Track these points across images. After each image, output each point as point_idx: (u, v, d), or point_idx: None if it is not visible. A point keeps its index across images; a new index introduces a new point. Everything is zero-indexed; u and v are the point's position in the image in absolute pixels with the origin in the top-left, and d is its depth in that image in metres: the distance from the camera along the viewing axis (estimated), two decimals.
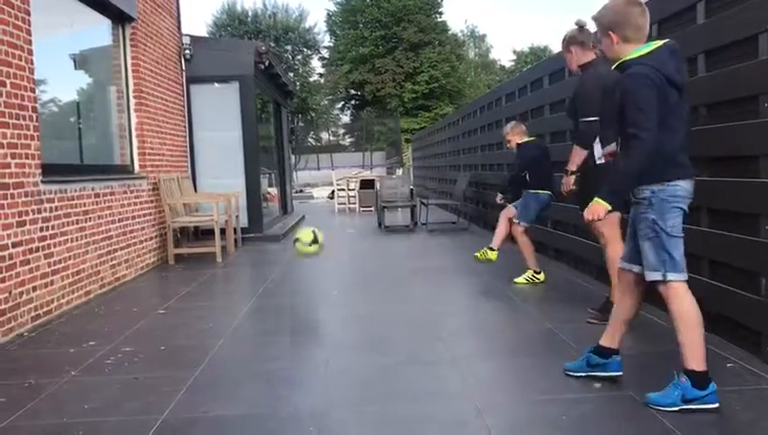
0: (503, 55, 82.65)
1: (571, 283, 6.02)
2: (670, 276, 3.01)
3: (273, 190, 14.53)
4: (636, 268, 3.19)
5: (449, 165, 14.41)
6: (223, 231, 8.81)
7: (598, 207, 3.11)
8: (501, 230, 6.38)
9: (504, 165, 9.23)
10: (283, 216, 14.25)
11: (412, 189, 12.46)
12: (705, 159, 4.04)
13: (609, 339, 3.38)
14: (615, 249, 4.23)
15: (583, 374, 3.42)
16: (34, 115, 5.32)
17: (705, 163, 4.03)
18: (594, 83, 4.29)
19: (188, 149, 10.19)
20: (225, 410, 3.22)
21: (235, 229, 9.52)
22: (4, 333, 4.67)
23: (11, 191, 4.89)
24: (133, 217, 7.46)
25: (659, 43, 3.04)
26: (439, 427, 2.94)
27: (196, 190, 10.21)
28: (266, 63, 11.00)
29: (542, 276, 6.06)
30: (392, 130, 35.61)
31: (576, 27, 4.50)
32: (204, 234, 9.67)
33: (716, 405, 2.93)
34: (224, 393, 3.49)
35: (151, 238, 8.06)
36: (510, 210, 6.39)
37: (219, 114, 10.47)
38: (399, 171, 25.05)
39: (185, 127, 10.07)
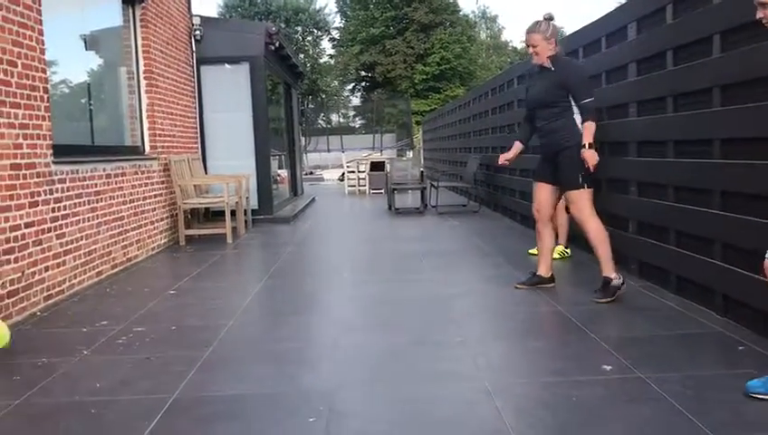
0: (514, 37, 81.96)
1: (581, 266, 6.00)
2: None
3: (284, 172, 14.53)
4: None
5: (460, 147, 14.35)
6: (233, 212, 8.83)
7: None
8: (560, 223, 6.30)
9: None
10: (293, 198, 14.27)
11: (422, 172, 12.43)
12: None
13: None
14: (596, 223, 4.80)
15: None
16: (45, 96, 5.32)
17: None
18: (580, 68, 5.13)
19: (199, 130, 10.20)
20: (236, 390, 3.24)
21: (245, 211, 9.53)
22: (17, 313, 4.71)
23: (23, 172, 4.91)
24: (144, 198, 7.49)
25: None
26: (449, 407, 2.94)
27: (206, 172, 10.22)
28: (277, 44, 10.96)
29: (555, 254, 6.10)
30: (403, 112, 35.47)
31: (545, 20, 4.94)
32: (214, 215, 9.70)
33: None
34: (234, 373, 3.51)
35: (162, 219, 8.09)
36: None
37: (229, 95, 10.46)
38: (410, 153, 24.98)
39: (195, 108, 10.07)
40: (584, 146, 4.71)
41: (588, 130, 4.72)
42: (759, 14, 2.75)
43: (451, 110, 16.51)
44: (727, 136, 4.00)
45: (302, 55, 36.82)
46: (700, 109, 4.30)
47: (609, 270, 4.69)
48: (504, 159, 5.30)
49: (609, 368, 3.33)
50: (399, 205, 12.06)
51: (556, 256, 6.08)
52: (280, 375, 3.45)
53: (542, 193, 5.06)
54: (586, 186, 4.78)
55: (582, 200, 4.80)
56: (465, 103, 13.93)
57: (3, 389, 3.37)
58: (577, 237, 6.07)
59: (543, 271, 5.17)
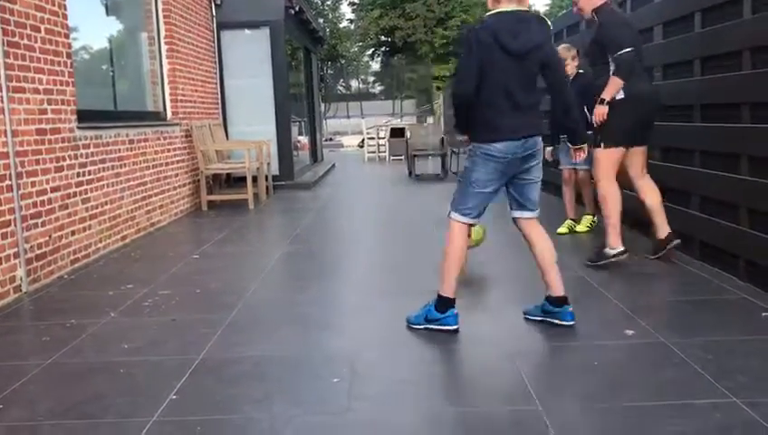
0: (536, 0, 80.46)
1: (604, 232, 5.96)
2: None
3: (304, 138, 14.53)
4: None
5: None
6: (255, 178, 8.87)
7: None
8: (570, 196, 6.15)
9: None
10: (313, 164, 14.28)
11: (443, 138, 12.35)
12: None
13: None
14: (606, 186, 4.56)
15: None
16: (69, 61, 5.34)
17: None
18: (617, 20, 4.52)
19: (220, 96, 10.20)
20: (260, 352, 3.29)
21: (266, 177, 9.57)
22: (45, 276, 4.80)
23: (48, 137, 4.96)
24: (167, 164, 7.54)
25: (509, 8, 3.26)
26: (471, 369, 2.98)
27: (227, 138, 10.25)
28: (296, 9, 10.88)
29: (584, 226, 6.07)
30: (423, 78, 35.15)
31: None
32: (236, 181, 9.75)
33: (454, 327, 3.37)
34: (258, 335, 3.57)
35: (185, 185, 8.15)
36: (568, 173, 6.13)
37: (250, 61, 10.43)
38: (430, 120, 24.81)
39: (216, 74, 10.06)
40: (601, 101, 4.45)
41: (609, 85, 4.41)
42: None
43: None
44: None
45: (321, 20, 36.47)
46: None
47: (607, 236, 4.58)
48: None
49: (631, 332, 3.33)
50: (420, 171, 12.03)
51: (585, 227, 6.04)
52: (303, 338, 3.49)
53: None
54: (603, 145, 4.52)
55: (599, 160, 4.58)
56: None
57: (34, 349, 3.46)
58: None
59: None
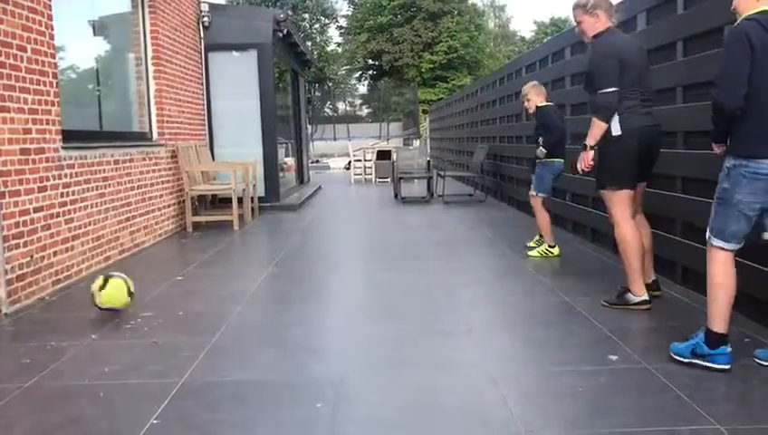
0: (523, 26, 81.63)
1: (589, 256, 5.99)
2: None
3: (290, 160, 14.54)
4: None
5: (467, 136, 14.33)
6: (240, 200, 8.85)
7: None
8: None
9: (524, 137, 9.15)
10: (299, 186, 14.28)
11: (429, 161, 12.42)
12: None
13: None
14: (624, 229, 4.12)
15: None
16: (54, 81, 5.33)
17: None
18: (607, 52, 4.08)
19: (206, 117, 10.20)
20: (244, 375, 3.26)
21: (252, 198, 9.55)
22: (26, 296, 4.74)
23: (32, 157, 4.93)
24: (152, 184, 7.51)
25: None
26: (456, 395, 2.96)
27: (213, 159, 10.24)
28: (285, 32, 10.94)
29: (556, 250, 6.02)
30: (409, 101, 35.37)
31: None
32: (221, 202, 9.71)
33: (724, 367, 3.07)
34: (242, 359, 3.54)
35: (170, 206, 8.11)
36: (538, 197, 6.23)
37: (237, 83, 10.45)
38: (416, 142, 24.94)
39: (203, 95, 10.07)
40: (584, 147, 4.18)
41: (591, 128, 4.12)
42: None
43: (458, 99, 16.47)
44: None
45: (309, 43, 36.73)
46: None
47: (630, 283, 4.17)
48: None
49: (615, 358, 3.34)
50: (406, 193, 12.06)
51: (537, 254, 6.01)
52: (287, 361, 3.47)
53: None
54: (610, 187, 4.14)
55: (608, 202, 4.19)
56: (473, 93, 13.90)
57: (13, 371, 3.40)
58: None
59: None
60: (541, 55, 8.63)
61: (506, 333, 3.96)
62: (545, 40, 23.55)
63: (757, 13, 2.96)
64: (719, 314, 3.11)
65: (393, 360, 3.46)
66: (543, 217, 6.11)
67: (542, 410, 2.78)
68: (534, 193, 6.16)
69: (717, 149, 3.26)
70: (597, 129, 4.10)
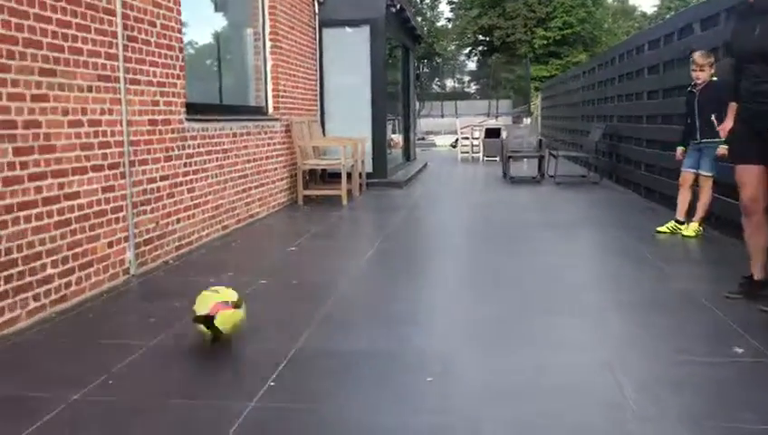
0: (643, 1, 77.56)
1: (716, 242, 5.67)
2: None
3: (397, 137, 14.59)
4: None
5: (582, 115, 13.85)
6: (349, 175, 8.98)
7: None
8: (685, 198, 6.00)
9: (644, 117, 8.74)
10: (405, 163, 14.32)
11: (540, 139, 12.10)
12: None
13: None
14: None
15: None
16: (181, 55, 5.58)
17: None
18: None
19: (318, 92, 10.38)
20: (354, 346, 3.33)
21: (360, 174, 9.68)
22: (152, 260, 5.04)
23: (159, 127, 5.20)
24: (266, 158, 7.75)
25: None
26: (566, 376, 2.89)
27: (324, 134, 10.43)
28: (397, 6, 10.92)
29: (691, 232, 5.82)
30: (520, 78, 34.60)
31: None
32: (330, 177, 9.90)
33: None
34: (351, 329, 3.61)
35: (282, 179, 8.35)
36: (688, 176, 5.97)
37: (349, 58, 10.56)
38: (527, 120, 24.38)
39: (316, 71, 10.25)
40: None
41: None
42: None
43: (573, 76, 15.93)
44: None
45: (419, 18, 36.57)
46: None
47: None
48: (722, 129, 4.33)
49: (740, 350, 3.15)
50: (515, 173, 11.84)
51: (692, 232, 5.79)
52: (395, 334, 3.50)
53: (755, 178, 3.84)
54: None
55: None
56: (590, 70, 13.40)
57: (141, 329, 3.63)
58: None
59: (760, 273, 3.97)
60: (666, 30, 8.17)
61: (622, 317, 3.82)
62: (668, 15, 22.24)
63: None
64: None
65: (502, 338, 3.42)
66: (708, 199, 5.84)
67: (658, 399, 2.66)
68: (710, 174, 5.80)
69: None
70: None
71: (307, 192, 8.84)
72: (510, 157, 11.80)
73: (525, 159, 13.21)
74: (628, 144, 9.54)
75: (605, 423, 2.49)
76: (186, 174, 5.63)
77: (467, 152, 16.98)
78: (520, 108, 29.41)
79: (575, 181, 10.97)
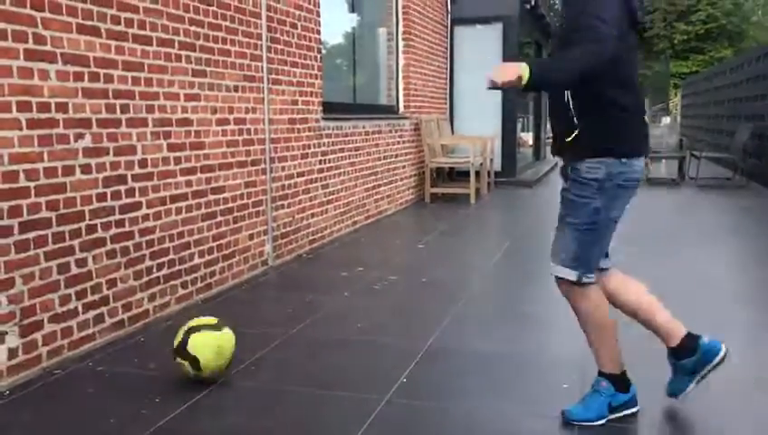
0: None
1: None
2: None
3: (526, 135, 14.29)
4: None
5: (727, 114, 12.96)
6: (477, 174, 8.91)
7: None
8: None
9: None
10: (535, 162, 14.01)
11: (681, 139, 11.45)
12: None
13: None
14: None
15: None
16: (318, 56, 5.75)
17: None
18: None
19: (448, 91, 10.37)
20: (486, 346, 3.29)
21: (488, 172, 9.57)
22: (287, 253, 5.24)
23: (297, 126, 5.39)
24: (396, 156, 7.84)
25: None
26: (710, 396, 2.71)
27: (452, 132, 10.41)
28: (532, 3, 10.70)
29: None
30: (659, 74, 32.90)
31: None
32: (458, 175, 9.87)
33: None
34: (484, 329, 3.57)
35: (410, 176, 8.42)
36: None
37: (480, 56, 10.45)
38: (665, 119, 23.15)
39: (446, 68, 10.24)
40: None
41: None
42: None
43: (718, 72, 14.94)
44: None
45: (551, 14, 35.65)
46: None
47: None
48: None
49: None
50: (653, 174, 11.27)
51: None
52: (527, 336, 3.43)
53: None
54: None
55: None
56: (738, 66, 12.51)
57: (280, 319, 3.78)
58: None
59: None
60: None
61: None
62: None
63: None
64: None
65: (641, 349, 3.26)
66: None
67: None
68: None
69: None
70: None
71: (434, 190, 8.86)
72: (649, 157, 11.24)
73: (663, 160, 12.55)
74: None
75: None
76: (320, 171, 5.80)
77: None
78: (658, 106, 27.97)
79: (719, 184, 10.27)
